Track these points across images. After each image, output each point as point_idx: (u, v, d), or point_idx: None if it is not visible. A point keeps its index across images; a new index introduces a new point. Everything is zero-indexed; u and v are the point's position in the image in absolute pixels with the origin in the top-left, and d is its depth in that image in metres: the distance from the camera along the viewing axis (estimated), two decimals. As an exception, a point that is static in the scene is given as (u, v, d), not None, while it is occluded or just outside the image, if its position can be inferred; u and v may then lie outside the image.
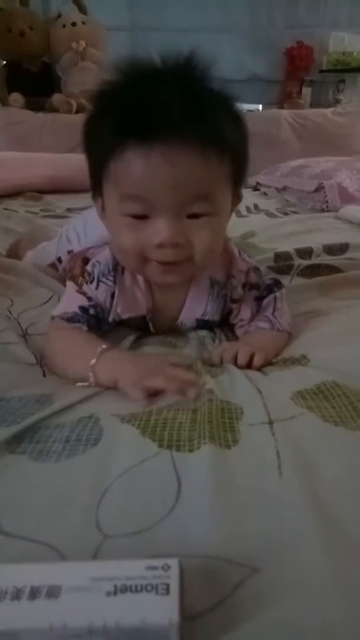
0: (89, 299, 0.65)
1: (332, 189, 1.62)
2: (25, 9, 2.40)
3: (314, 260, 0.98)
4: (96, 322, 0.65)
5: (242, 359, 0.59)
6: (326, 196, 1.61)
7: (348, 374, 0.54)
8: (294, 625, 0.28)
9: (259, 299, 0.69)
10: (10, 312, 0.76)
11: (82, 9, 2.36)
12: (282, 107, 2.60)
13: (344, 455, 0.41)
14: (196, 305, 0.68)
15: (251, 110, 2.64)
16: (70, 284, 0.68)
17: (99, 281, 0.65)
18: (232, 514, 0.35)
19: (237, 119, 0.56)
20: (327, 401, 0.49)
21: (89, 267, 0.66)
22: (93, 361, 0.56)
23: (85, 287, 0.65)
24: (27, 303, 0.80)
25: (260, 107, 2.67)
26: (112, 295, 0.65)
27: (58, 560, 0.31)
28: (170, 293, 0.67)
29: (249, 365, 0.59)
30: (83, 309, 0.64)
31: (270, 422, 0.45)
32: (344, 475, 0.39)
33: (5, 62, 2.40)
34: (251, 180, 2.13)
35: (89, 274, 0.66)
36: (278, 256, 1.01)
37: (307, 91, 2.65)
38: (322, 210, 1.59)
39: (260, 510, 0.35)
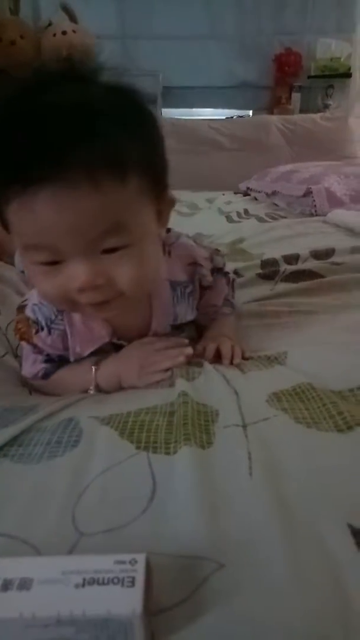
0: (47, 353, 0.62)
1: (320, 193, 1.64)
2: (15, 18, 2.42)
3: (299, 266, 1.00)
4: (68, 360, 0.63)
5: (228, 356, 0.63)
6: (314, 201, 1.63)
7: (324, 376, 0.55)
8: (255, 620, 0.29)
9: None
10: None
11: (72, 18, 2.38)
12: (272, 113, 2.63)
13: (313, 456, 0.43)
14: (163, 315, 0.65)
15: (241, 116, 2.67)
16: (24, 345, 0.64)
17: (49, 328, 0.61)
18: (203, 513, 0.36)
19: (140, 121, 0.48)
20: (302, 402, 0.51)
21: (29, 313, 0.61)
22: (92, 374, 0.59)
23: (37, 340, 0.61)
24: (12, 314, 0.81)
25: (250, 112, 2.70)
26: (66, 337, 0.61)
27: (34, 556, 0.33)
28: (128, 313, 0.60)
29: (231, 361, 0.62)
30: (48, 360, 0.63)
31: (244, 425, 0.47)
32: (311, 476, 0.40)
33: (-4, 70, 2.42)
34: (242, 185, 2.16)
35: (35, 322, 0.61)
36: (265, 263, 1.03)
37: (296, 97, 2.69)
38: (311, 215, 1.61)
39: (229, 509, 0.37)
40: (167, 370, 0.60)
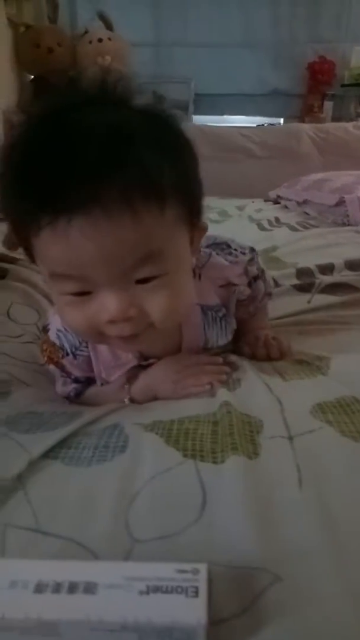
0: (70, 375, 0.62)
1: (354, 203, 1.63)
2: (53, 26, 2.48)
3: (335, 278, 0.99)
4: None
5: (276, 354, 0.66)
6: (347, 210, 1.61)
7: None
8: (313, 633, 0.29)
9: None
10: (38, 327, 0.80)
11: (108, 26, 2.42)
12: (303, 121, 2.62)
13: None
14: (194, 340, 0.62)
15: (272, 124, 2.67)
16: (52, 367, 0.64)
17: (74, 355, 0.60)
18: (256, 523, 0.37)
19: (176, 146, 0.46)
20: (347, 415, 0.51)
21: (54, 339, 0.60)
22: (126, 387, 0.59)
23: (65, 363, 0.61)
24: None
25: (281, 120, 2.70)
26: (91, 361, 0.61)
27: (92, 560, 0.33)
28: (157, 342, 0.59)
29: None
30: (77, 381, 0.63)
31: (290, 437, 0.47)
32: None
33: (33, 76, 2.48)
34: (272, 194, 2.15)
35: (60, 348, 0.60)
36: (300, 272, 1.02)
37: (328, 105, 2.67)
38: (343, 225, 1.59)
39: (281, 520, 0.37)
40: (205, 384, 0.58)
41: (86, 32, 2.44)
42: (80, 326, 0.48)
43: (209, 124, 2.54)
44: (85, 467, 0.43)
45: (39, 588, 0.28)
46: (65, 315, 0.50)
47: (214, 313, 0.63)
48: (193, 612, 0.27)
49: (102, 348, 0.59)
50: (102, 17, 2.42)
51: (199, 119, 2.63)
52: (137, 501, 0.39)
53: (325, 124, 2.54)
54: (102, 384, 0.62)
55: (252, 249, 0.69)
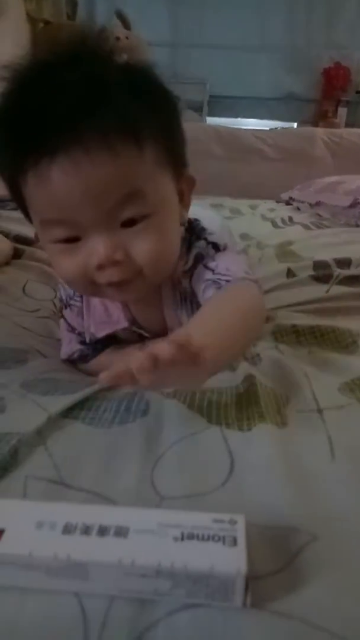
0: (74, 329, 0.62)
1: (368, 204, 1.62)
2: (71, 22, 2.49)
3: (352, 271, 0.97)
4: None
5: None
6: (361, 211, 1.60)
7: None
8: (353, 591, 0.28)
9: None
10: (55, 304, 0.78)
11: (126, 24, 2.43)
12: (316, 126, 2.62)
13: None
14: (174, 314, 0.60)
15: (285, 128, 2.67)
16: (61, 322, 0.64)
17: (68, 305, 0.61)
18: (288, 487, 0.35)
19: (154, 93, 0.47)
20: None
21: (59, 292, 0.64)
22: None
23: (65, 315, 0.63)
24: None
25: (294, 125, 2.70)
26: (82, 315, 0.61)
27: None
28: (143, 305, 0.59)
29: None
30: (82, 343, 0.62)
31: (320, 410, 0.45)
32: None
33: (49, 72, 2.49)
34: (284, 195, 2.15)
35: (61, 299, 0.63)
36: (317, 264, 1.01)
37: (342, 111, 2.68)
38: (357, 226, 1.58)
39: (314, 486, 0.35)
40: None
41: (104, 29, 2.44)
42: (73, 275, 0.49)
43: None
44: (106, 428, 0.41)
45: (67, 529, 0.26)
46: (58, 265, 0.50)
47: (180, 291, 0.58)
48: (232, 560, 0.25)
49: (95, 302, 0.60)
50: (120, 16, 2.43)
51: (213, 121, 2.64)
52: (162, 462, 0.37)
53: (339, 128, 2.54)
54: (89, 341, 0.61)
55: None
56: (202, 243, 0.58)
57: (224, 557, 0.26)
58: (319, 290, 0.88)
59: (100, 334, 0.61)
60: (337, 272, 0.97)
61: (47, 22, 2.42)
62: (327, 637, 0.25)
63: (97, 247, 0.45)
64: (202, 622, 0.26)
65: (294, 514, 0.32)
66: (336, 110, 2.66)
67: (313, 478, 0.36)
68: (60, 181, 0.42)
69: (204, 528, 0.27)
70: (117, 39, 2.39)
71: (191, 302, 0.59)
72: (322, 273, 0.96)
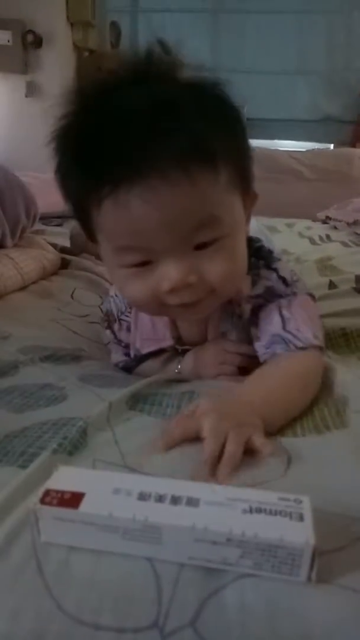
0: (121, 342, 0.63)
1: None
2: (114, 51, 2.60)
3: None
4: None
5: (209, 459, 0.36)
6: None
7: None
8: None
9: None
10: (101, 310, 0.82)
11: (167, 51, 2.53)
12: (354, 147, 2.62)
13: None
14: (218, 329, 0.59)
15: (322, 149, 2.69)
16: (108, 333, 0.65)
17: (120, 320, 0.62)
18: (346, 478, 0.36)
19: (223, 112, 0.47)
20: None
21: (106, 306, 0.64)
22: (178, 363, 0.60)
23: (114, 328, 0.63)
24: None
25: (331, 146, 2.72)
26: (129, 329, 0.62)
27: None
28: (192, 320, 0.59)
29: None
30: (127, 355, 0.63)
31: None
32: None
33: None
34: (320, 215, 2.15)
35: (108, 312, 0.63)
36: (359, 278, 1.01)
37: (380, 133, 2.67)
38: (395, 244, 1.57)
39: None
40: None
41: (146, 57, 2.55)
42: (143, 297, 0.48)
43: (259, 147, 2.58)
44: (168, 421, 0.43)
45: (142, 497, 0.28)
46: (127, 289, 0.50)
47: (233, 308, 0.57)
48: (301, 533, 0.26)
49: (144, 317, 0.60)
50: (162, 43, 2.53)
51: (250, 143, 2.68)
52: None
53: (376, 149, 2.53)
54: (134, 355, 0.62)
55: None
56: (273, 276, 0.56)
57: (293, 530, 0.27)
58: (361, 302, 0.89)
59: (145, 350, 0.61)
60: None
61: (91, 51, 2.55)
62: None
63: (170, 272, 0.45)
64: (269, 588, 0.27)
65: (356, 503, 0.33)
66: (374, 132, 2.66)
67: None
68: (139, 209, 0.42)
69: (272, 504, 0.28)
70: (159, 65, 2.50)
71: (243, 324, 0.57)
72: (364, 286, 0.96)
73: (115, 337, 0.64)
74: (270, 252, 0.60)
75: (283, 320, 0.53)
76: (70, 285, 0.91)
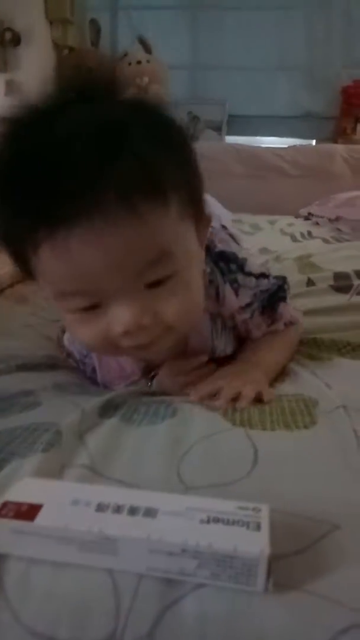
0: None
1: (388, 218, 1.62)
2: (95, 49, 2.59)
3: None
4: None
5: (225, 402, 0.48)
6: (381, 225, 1.61)
7: None
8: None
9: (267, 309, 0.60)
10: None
11: (147, 49, 2.52)
12: (335, 143, 2.64)
13: None
14: (199, 349, 0.58)
15: (304, 145, 2.70)
16: (71, 361, 0.63)
17: (83, 363, 0.61)
18: (310, 479, 0.36)
19: (170, 137, 0.42)
20: None
21: (66, 343, 0.62)
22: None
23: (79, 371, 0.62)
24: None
25: (313, 142, 2.73)
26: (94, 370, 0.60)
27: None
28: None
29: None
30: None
31: (345, 406, 0.46)
32: None
33: (73, 95, 2.58)
34: (302, 211, 2.16)
35: (70, 354, 0.62)
36: (337, 275, 1.02)
37: (361, 128, 2.69)
38: (377, 239, 1.58)
39: (338, 479, 0.36)
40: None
41: (126, 54, 2.53)
42: (96, 342, 0.44)
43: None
44: (136, 427, 0.44)
45: (100, 508, 0.28)
46: (77, 333, 0.46)
47: (223, 320, 0.59)
48: (255, 543, 0.27)
49: (108, 359, 0.57)
50: (142, 41, 2.52)
51: (232, 140, 2.68)
52: (189, 456, 0.39)
53: (358, 145, 2.55)
54: (103, 386, 0.60)
55: (283, 278, 0.63)
56: (251, 280, 0.58)
57: (248, 540, 0.27)
58: (340, 299, 0.89)
59: (114, 386, 0.59)
60: (358, 282, 0.98)
61: (71, 49, 2.53)
62: (345, 612, 0.26)
63: (122, 315, 0.41)
64: (227, 597, 0.27)
65: (317, 505, 0.33)
66: (355, 127, 2.67)
67: (337, 470, 0.37)
68: (80, 253, 0.37)
69: (230, 513, 0.28)
70: (139, 62, 2.48)
71: (231, 329, 0.61)
72: (342, 283, 0.97)
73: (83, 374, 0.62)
74: (234, 254, 0.58)
75: (267, 318, 0.60)
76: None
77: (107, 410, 0.46)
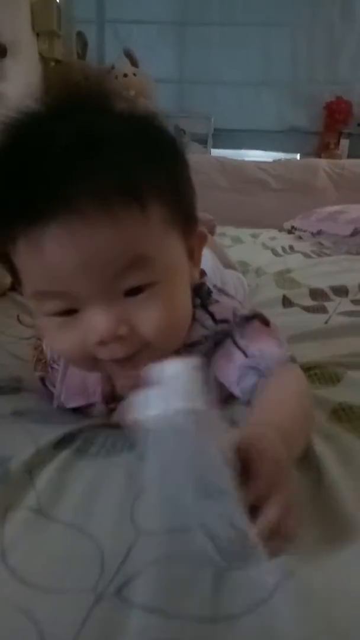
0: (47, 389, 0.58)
1: (369, 233, 1.64)
2: (82, 62, 2.59)
3: (351, 297, 0.99)
4: None
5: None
6: (362, 240, 1.62)
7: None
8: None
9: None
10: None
11: (134, 62, 2.54)
12: (319, 158, 2.67)
13: None
14: None
15: (288, 159, 2.73)
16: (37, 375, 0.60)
17: (51, 366, 0.57)
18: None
19: (158, 146, 0.43)
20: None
21: (45, 345, 0.58)
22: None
23: (45, 375, 0.58)
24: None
25: (297, 156, 2.77)
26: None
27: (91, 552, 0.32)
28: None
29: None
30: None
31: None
32: None
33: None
34: (286, 224, 2.18)
35: (44, 354, 0.58)
36: (313, 292, 1.02)
37: (344, 143, 2.74)
38: (358, 254, 1.60)
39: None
40: None
41: (112, 67, 2.55)
42: (70, 351, 0.43)
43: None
44: (90, 460, 0.42)
45: None
46: (54, 341, 0.46)
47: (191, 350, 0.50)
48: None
49: (74, 371, 0.54)
50: (128, 54, 2.54)
51: (218, 153, 2.71)
52: (143, 495, 0.38)
53: (341, 160, 2.59)
54: (56, 407, 0.56)
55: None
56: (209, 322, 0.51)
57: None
58: (318, 320, 0.89)
59: (69, 405, 0.55)
60: (337, 301, 0.98)
61: (57, 62, 2.53)
62: None
63: (97, 322, 0.40)
64: None
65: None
66: (338, 142, 2.72)
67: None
68: (54, 253, 0.38)
69: None
70: (125, 75, 2.50)
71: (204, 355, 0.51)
72: (319, 302, 0.97)
73: (44, 383, 0.59)
74: (209, 291, 0.54)
75: (242, 350, 0.49)
76: (17, 306, 0.89)
77: (62, 442, 0.44)
